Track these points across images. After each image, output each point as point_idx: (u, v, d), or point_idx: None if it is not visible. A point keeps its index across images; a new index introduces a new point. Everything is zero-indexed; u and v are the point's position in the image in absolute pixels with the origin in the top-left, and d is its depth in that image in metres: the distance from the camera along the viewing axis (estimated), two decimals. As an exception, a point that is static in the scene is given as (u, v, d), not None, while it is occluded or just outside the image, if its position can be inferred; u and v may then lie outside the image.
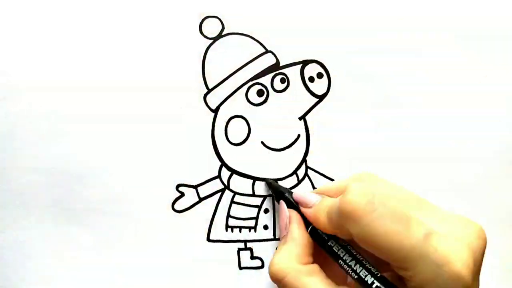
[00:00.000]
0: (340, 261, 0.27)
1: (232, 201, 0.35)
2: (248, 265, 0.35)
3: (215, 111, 0.34)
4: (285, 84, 0.34)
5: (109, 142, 0.34)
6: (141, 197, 0.34)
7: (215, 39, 0.34)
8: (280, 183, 0.35)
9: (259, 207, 0.35)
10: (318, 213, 0.29)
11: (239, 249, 0.35)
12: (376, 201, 0.24)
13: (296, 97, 0.34)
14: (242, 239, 0.35)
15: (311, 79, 0.34)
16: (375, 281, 0.25)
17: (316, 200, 0.29)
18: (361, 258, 0.26)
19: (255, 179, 0.35)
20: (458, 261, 0.23)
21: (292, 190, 0.34)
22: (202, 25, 0.34)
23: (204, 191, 0.35)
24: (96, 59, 0.33)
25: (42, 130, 0.33)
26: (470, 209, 0.36)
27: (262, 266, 0.35)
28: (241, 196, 0.35)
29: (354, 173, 0.30)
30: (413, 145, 0.35)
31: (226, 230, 0.35)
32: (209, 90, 0.34)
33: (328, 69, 0.34)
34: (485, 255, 0.25)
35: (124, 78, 0.33)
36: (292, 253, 0.29)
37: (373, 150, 0.35)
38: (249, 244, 0.35)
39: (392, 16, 0.34)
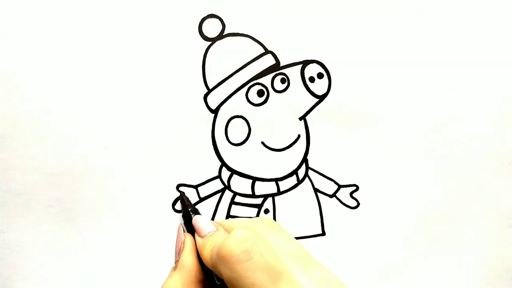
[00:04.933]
0: None
1: (232, 201, 0.35)
2: (248, 265, 0.35)
3: (215, 111, 0.34)
4: (286, 84, 0.34)
5: (109, 142, 0.34)
6: (141, 197, 0.34)
7: (215, 39, 0.34)
8: (280, 183, 0.35)
9: (259, 207, 0.35)
10: (204, 246, 0.29)
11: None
12: (253, 250, 0.25)
13: (297, 97, 0.34)
14: (242, 239, 0.35)
15: (312, 79, 0.34)
16: None
17: (209, 232, 0.29)
18: None
19: (255, 179, 0.35)
20: None
21: (194, 217, 0.32)
22: (202, 25, 0.34)
23: (204, 191, 0.35)
24: (96, 59, 0.33)
25: (42, 130, 0.33)
26: (471, 209, 0.36)
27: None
28: (241, 196, 0.35)
29: (254, 218, 0.31)
30: (413, 145, 0.35)
31: (226, 230, 0.35)
32: (210, 90, 0.34)
33: (328, 69, 0.34)
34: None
35: (124, 78, 0.33)
36: (179, 281, 0.29)
37: (373, 150, 0.35)
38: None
39: (392, 16, 0.34)
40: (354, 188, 0.35)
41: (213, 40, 0.34)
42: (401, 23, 0.34)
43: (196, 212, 0.32)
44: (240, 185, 0.35)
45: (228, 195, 0.35)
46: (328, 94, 0.34)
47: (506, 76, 0.35)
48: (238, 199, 0.35)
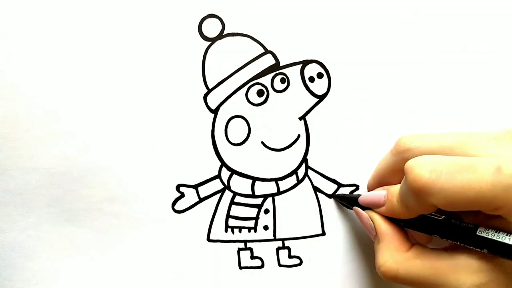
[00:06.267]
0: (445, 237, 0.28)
1: (232, 202, 0.35)
2: (248, 265, 0.35)
3: (215, 111, 0.34)
4: (285, 84, 0.34)
5: (109, 142, 0.34)
6: (141, 197, 0.34)
7: (215, 39, 0.34)
8: (280, 183, 0.35)
9: (259, 207, 0.35)
10: (392, 207, 0.29)
11: (239, 249, 0.35)
12: (436, 165, 0.25)
13: (296, 97, 0.34)
14: (242, 239, 0.35)
15: (311, 79, 0.34)
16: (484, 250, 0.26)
17: (384, 195, 0.30)
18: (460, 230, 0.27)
19: (255, 179, 0.35)
20: None
21: (360, 198, 0.33)
22: (202, 25, 0.34)
23: (204, 191, 0.35)
24: (96, 59, 0.33)
25: (42, 130, 0.33)
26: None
27: (262, 266, 0.35)
28: (241, 197, 0.35)
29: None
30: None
31: (226, 231, 0.35)
32: (209, 90, 0.34)
33: (328, 69, 0.34)
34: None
35: (124, 78, 0.33)
36: (391, 248, 0.29)
37: (373, 150, 0.35)
38: (249, 244, 0.35)
39: (392, 16, 0.34)
40: (354, 188, 0.35)
41: (213, 40, 0.34)
42: (401, 23, 0.34)
43: (353, 196, 0.33)
44: (240, 185, 0.35)
45: (228, 195, 0.35)
46: (328, 94, 0.34)
47: (508, 76, 0.35)
48: (238, 199, 0.35)
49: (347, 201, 0.34)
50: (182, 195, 0.35)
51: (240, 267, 0.35)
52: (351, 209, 0.34)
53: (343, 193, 0.35)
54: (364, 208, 0.32)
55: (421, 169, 0.25)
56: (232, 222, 0.35)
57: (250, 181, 0.35)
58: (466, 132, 0.28)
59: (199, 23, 0.34)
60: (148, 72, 0.33)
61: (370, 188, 0.33)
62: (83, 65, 0.33)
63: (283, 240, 0.35)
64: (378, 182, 0.32)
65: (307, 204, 0.35)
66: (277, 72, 0.34)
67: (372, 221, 0.31)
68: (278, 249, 0.35)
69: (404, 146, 0.29)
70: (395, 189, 0.29)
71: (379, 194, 0.31)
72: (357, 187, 0.35)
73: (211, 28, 0.34)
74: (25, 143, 0.33)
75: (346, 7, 0.34)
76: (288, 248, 0.35)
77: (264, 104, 0.34)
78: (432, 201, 0.25)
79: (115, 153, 0.34)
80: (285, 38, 0.34)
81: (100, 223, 0.34)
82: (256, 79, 0.34)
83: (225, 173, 0.35)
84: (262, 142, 0.35)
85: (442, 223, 0.28)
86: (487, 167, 0.24)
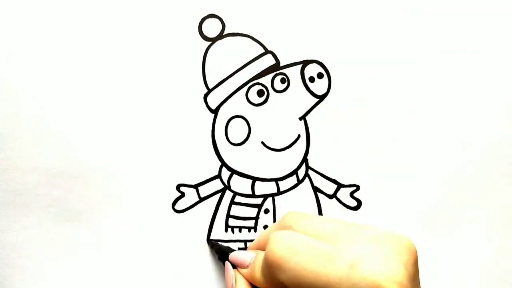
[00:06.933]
0: None
1: (232, 202, 0.35)
2: (248, 265, 0.35)
3: (215, 111, 0.34)
4: (286, 84, 0.34)
5: (109, 142, 0.34)
6: (141, 197, 0.34)
7: (215, 39, 0.34)
8: (280, 183, 0.35)
9: (259, 207, 0.35)
10: (253, 272, 0.29)
11: (239, 249, 0.35)
12: (296, 244, 0.25)
13: (297, 97, 0.34)
14: (242, 239, 0.35)
15: (312, 79, 0.34)
16: None
17: (251, 259, 0.30)
18: None
19: (255, 179, 0.35)
20: (390, 283, 0.23)
21: (230, 254, 0.32)
22: (202, 25, 0.34)
23: (204, 191, 0.35)
24: (96, 59, 0.33)
25: (42, 130, 0.33)
26: (472, 209, 0.36)
27: (262, 266, 0.35)
28: (242, 197, 0.35)
29: (278, 219, 0.32)
30: (413, 146, 0.35)
31: (226, 231, 0.35)
32: (209, 90, 0.34)
33: (329, 69, 0.34)
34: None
35: (124, 78, 0.33)
36: None
37: (373, 150, 0.35)
38: (249, 244, 0.35)
39: (392, 16, 0.34)
40: (354, 188, 0.35)
41: (213, 40, 0.34)
42: (401, 23, 0.34)
43: (229, 250, 0.32)
44: (240, 185, 0.35)
45: (228, 195, 0.35)
46: (328, 94, 0.34)
47: (508, 76, 0.35)
48: (238, 199, 0.35)
49: (218, 252, 0.33)
50: (183, 195, 0.35)
51: (240, 267, 0.35)
52: (221, 261, 0.33)
53: (220, 243, 0.34)
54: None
55: (279, 243, 0.25)
56: (232, 222, 0.35)
57: (250, 181, 0.35)
58: (350, 223, 0.27)
59: (200, 23, 0.34)
60: (148, 72, 0.33)
61: (249, 249, 0.33)
62: (83, 65, 0.33)
63: (283, 240, 0.35)
64: (257, 246, 0.32)
65: (307, 204, 0.35)
66: (277, 72, 0.34)
67: (235, 282, 0.30)
68: (278, 249, 0.35)
69: (287, 223, 0.29)
70: (261, 255, 0.29)
71: (247, 255, 0.30)
72: (358, 188, 0.35)
73: (212, 28, 0.34)
74: (25, 143, 0.33)
75: (346, 7, 0.34)
76: (288, 248, 0.35)
77: (264, 104, 0.34)
78: (281, 277, 0.25)
79: (115, 153, 0.34)
80: (285, 38, 0.34)
81: (100, 223, 0.34)
82: (256, 79, 0.34)
83: (225, 173, 0.35)
84: (262, 142, 0.35)
85: None
86: (343, 260, 0.24)
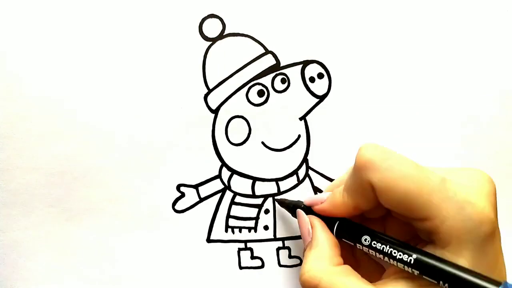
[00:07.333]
0: (371, 250, 0.27)
1: (233, 202, 0.35)
2: (248, 265, 0.35)
3: (216, 111, 0.34)
4: (286, 84, 0.34)
5: (109, 142, 0.34)
6: (141, 197, 0.34)
7: (215, 39, 0.34)
8: (281, 183, 0.35)
9: (260, 207, 0.35)
10: (334, 198, 0.29)
11: (239, 249, 0.35)
12: (388, 149, 0.26)
13: (297, 98, 0.34)
14: (242, 239, 0.35)
15: (312, 79, 0.34)
16: (413, 254, 0.25)
17: (327, 195, 0.30)
18: (391, 240, 0.27)
19: (255, 179, 0.35)
20: (480, 201, 0.24)
21: (305, 199, 0.32)
22: (203, 25, 0.34)
23: (204, 191, 0.35)
24: (97, 59, 0.33)
25: (42, 130, 0.33)
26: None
27: (262, 266, 0.35)
28: (242, 197, 0.35)
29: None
30: (413, 146, 0.35)
31: (226, 231, 0.35)
32: (210, 90, 0.34)
33: (329, 69, 0.34)
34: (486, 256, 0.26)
35: (124, 78, 0.33)
36: (321, 257, 0.28)
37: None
38: (249, 244, 0.35)
39: (392, 16, 0.34)
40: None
41: (213, 40, 0.34)
42: (401, 23, 0.34)
43: (299, 202, 0.32)
44: (240, 185, 0.35)
45: (228, 195, 0.35)
46: (328, 94, 0.34)
47: (506, 74, 0.35)
48: (238, 199, 0.35)
49: (289, 206, 0.33)
50: (183, 195, 0.35)
51: (240, 267, 0.35)
52: (293, 214, 0.33)
53: (289, 200, 0.34)
54: (307, 213, 0.31)
55: (372, 146, 0.26)
56: (232, 222, 0.35)
57: (251, 181, 0.35)
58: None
59: (200, 23, 0.34)
60: (148, 72, 0.33)
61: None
62: (83, 65, 0.33)
63: (283, 240, 0.35)
64: (332, 189, 0.31)
65: (307, 204, 0.35)
66: (277, 72, 0.34)
67: (312, 227, 0.30)
68: (278, 249, 0.35)
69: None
70: (340, 188, 0.29)
71: (324, 194, 0.30)
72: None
73: (212, 28, 0.34)
74: (25, 143, 0.33)
75: (346, 7, 0.34)
76: (288, 248, 0.35)
77: (265, 104, 0.34)
78: (373, 177, 0.25)
79: (115, 153, 0.34)
80: (286, 38, 0.34)
81: (100, 223, 0.34)
82: (256, 79, 0.34)
83: (226, 173, 0.35)
84: (263, 142, 0.35)
85: (374, 232, 0.27)
86: (434, 175, 0.25)
